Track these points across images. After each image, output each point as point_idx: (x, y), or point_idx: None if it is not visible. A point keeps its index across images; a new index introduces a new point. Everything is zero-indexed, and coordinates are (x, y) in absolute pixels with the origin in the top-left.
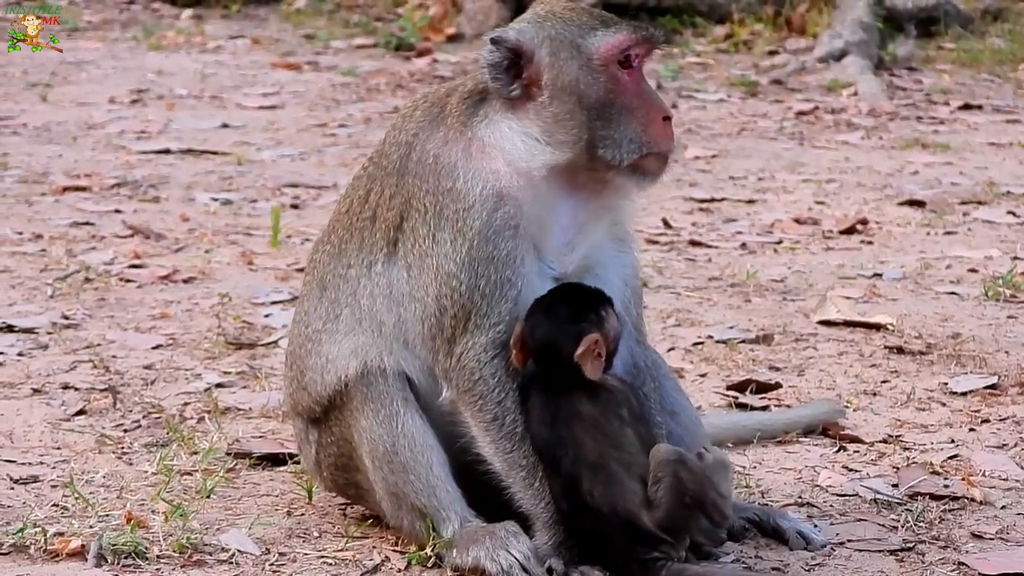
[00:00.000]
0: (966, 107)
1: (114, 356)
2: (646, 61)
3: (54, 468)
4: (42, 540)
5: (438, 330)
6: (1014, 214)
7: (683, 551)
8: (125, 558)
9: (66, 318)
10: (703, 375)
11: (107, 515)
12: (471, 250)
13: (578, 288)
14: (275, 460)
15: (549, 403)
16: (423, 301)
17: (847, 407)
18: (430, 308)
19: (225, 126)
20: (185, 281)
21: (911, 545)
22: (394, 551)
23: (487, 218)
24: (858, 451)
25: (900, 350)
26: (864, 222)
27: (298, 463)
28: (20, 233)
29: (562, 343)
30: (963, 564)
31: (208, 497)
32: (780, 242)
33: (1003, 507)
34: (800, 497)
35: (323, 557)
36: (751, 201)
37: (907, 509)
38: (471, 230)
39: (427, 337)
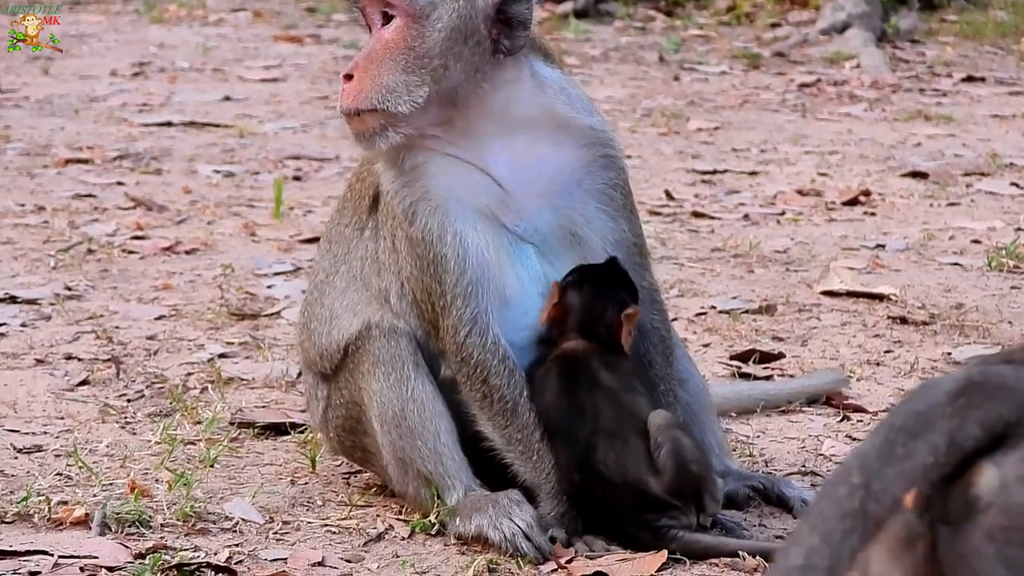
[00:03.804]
0: (969, 79)
1: (117, 327)
2: (376, 20)
3: (58, 438)
4: (46, 509)
5: (420, 311)
6: (1017, 185)
7: (692, 518)
8: (129, 527)
9: (69, 289)
10: (706, 345)
11: (111, 484)
12: (405, 233)
13: (623, 269)
14: (278, 430)
15: (567, 373)
16: (399, 277)
17: (850, 377)
18: (405, 288)
19: (227, 99)
20: (188, 252)
21: None
22: (398, 519)
23: (399, 202)
24: (861, 420)
25: (903, 320)
26: (867, 193)
27: (302, 433)
28: (22, 205)
29: (609, 306)
30: None
31: (211, 466)
32: (783, 213)
33: None
34: (804, 466)
35: (327, 525)
36: (754, 173)
37: None
38: (399, 213)
39: (412, 315)
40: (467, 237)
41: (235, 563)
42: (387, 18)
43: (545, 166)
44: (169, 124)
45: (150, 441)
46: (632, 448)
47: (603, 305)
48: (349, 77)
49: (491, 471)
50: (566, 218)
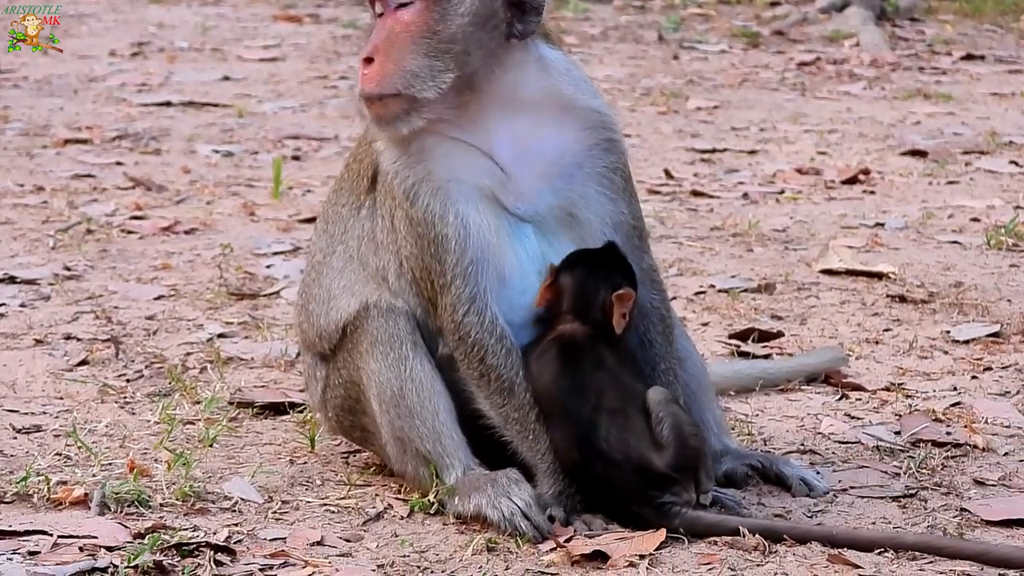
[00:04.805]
0: (968, 57)
1: (116, 307)
2: (389, 4)
3: (57, 418)
4: (45, 489)
5: (418, 289)
6: (1016, 164)
7: (692, 494)
8: (128, 506)
9: (68, 269)
10: (705, 324)
11: (110, 464)
12: (405, 213)
13: (621, 253)
14: (277, 409)
15: (568, 353)
16: (398, 256)
17: (849, 355)
18: (404, 267)
19: (226, 78)
20: (187, 232)
21: (913, 491)
22: (396, 499)
23: (400, 182)
24: (860, 399)
25: (902, 299)
26: (866, 172)
27: (301, 412)
28: (22, 185)
29: (601, 287)
30: (965, 510)
31: (210, 446)
32: (782, 192)
33: (1005, 454)
34: (802, 444)
35: (326, 505)
36: (753, 151)
37: (909, 456)
38: (399, 193)
39: (411, 293)
40: (469, 218)
41: (234, 542)
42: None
43: (547, 149)
44: (168, 104)
45: (149, 421)
46: (634, 424)
47: (595, 286)
48: (369, 60)
49: (490, 450)
50: (566, 199)
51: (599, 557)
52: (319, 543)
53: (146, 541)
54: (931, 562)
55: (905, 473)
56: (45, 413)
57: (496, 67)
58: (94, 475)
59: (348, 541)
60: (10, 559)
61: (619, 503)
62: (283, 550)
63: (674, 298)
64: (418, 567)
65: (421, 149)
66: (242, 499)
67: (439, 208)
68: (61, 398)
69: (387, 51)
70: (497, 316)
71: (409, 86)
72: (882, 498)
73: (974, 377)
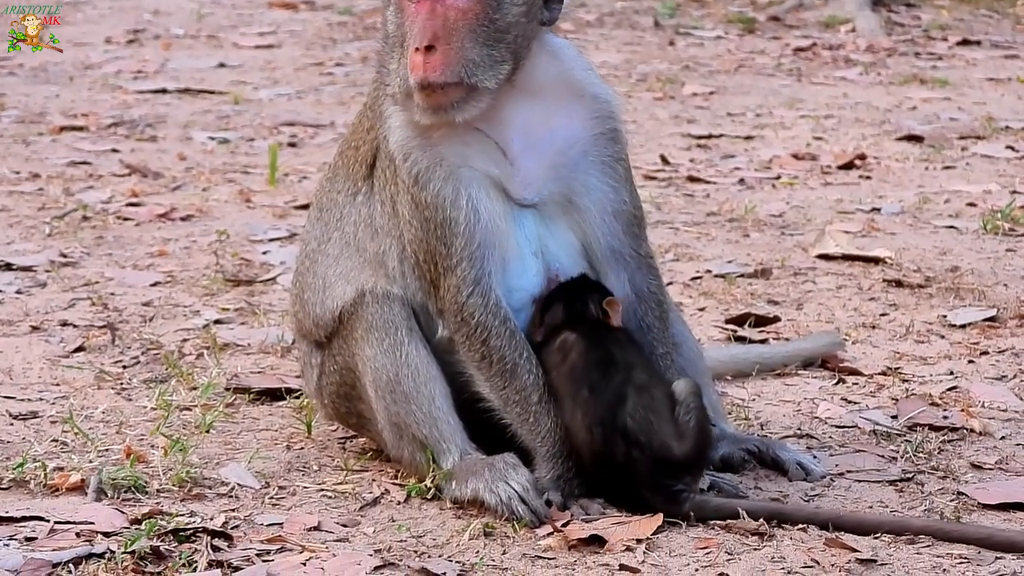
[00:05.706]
0: (964, 43)
1: (112, 293)
2: None
3: (53, 404)
4: (42, 475)
5: (420, 272)
6: (1013, 149)
7: (700, 483)
8: (125, 492)
9: (64, 256)
10: (702, 309)
11: (106, 450)
12: (412, 197)
13: (594, 280)
14: (274, 395)
15: (595, 333)
16: (400, 240)
17: (846, 340)
18: (406, 250)
19: (222, 65)
20: (183, 219)
21: (910, 475)
22: (393, 484)
23: (410, 166)
24: (857, 383)
25: (899, 283)
26: (862, 157)
27: (297, 398)
28: (17, 172)
29: (589, 300)
30: (962, 494)
31: (207, 432)
32: (778, 177)
33: (1002, 438)
34: (799, 429)
35: (322, 490)
36: (749, 137)
37: (906, 440)
38: (406, 177)
39: (412, 276)
40: (480, 203)
41: (231, 528)
42: None
43: (557, 138)
44: (164, 91)
45: (146, 407)
46: (659, 406)
47: (584, 302)
48: (430, 48)
49: (487, 435)
50: (567, 187)
51: (596, 541)
52: (316, 528)
53: (143, 527)
54: (928, 545)
55: (902, 457)
56: (42, 399)
57: (526, 56)
58: (91, 461)
59: (345, 526)
60: (7, 545)
61: (631, 486)
62: (280, 535)
63: (670, 283)
64: (415, 552)
65: (435, 134)
66: (239, 485)
67: (451, 193)
68: (58, 384)
69: (448, 39)
70: (500, 298)
71: (472, 75)
72: (879, 482)
73: (971, 361)
